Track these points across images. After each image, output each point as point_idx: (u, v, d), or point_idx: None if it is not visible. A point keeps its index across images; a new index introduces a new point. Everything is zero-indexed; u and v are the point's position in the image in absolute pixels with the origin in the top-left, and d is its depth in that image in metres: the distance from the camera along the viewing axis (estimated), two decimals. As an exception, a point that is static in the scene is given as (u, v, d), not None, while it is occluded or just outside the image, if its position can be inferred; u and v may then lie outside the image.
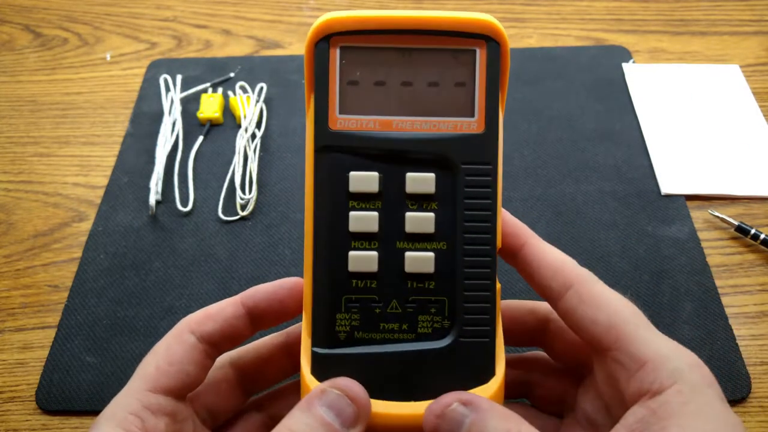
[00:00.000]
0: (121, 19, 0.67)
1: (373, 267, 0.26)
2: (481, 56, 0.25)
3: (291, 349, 0.30)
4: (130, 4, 0.68)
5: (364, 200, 0.25)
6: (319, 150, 0.25)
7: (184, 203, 0.50)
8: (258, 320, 0.28)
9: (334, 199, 0.25)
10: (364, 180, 0.25)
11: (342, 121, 0.25)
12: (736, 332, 0.42)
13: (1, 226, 0.50)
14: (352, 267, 0.26)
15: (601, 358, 0.26)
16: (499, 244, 0.26)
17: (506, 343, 0.27)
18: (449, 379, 0.25)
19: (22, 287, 0.46)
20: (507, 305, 0.30)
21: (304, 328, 0.27)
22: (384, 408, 0.25)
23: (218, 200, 0.50)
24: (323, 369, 0.25)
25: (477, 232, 0.26)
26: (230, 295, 0.28)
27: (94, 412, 0.40)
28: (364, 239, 0.26)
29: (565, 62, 0.60)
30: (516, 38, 0.63)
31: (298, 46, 0.63)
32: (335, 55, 0.25)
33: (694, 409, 0.22)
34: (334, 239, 0.26)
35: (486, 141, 0.25)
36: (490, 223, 0.26)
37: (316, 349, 0.26)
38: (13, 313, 0.45)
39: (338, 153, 0.25)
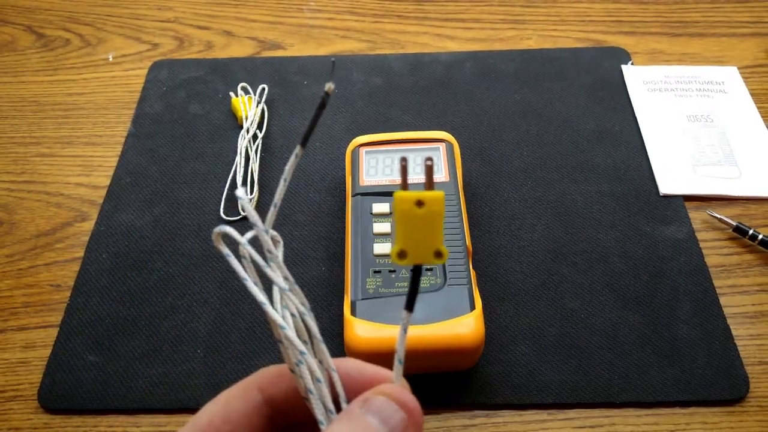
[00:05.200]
0: (122, 20, 0.67)
1: (389, 251, 0.41)
2: (443, 148, 0.47)
3: None
4: (131, 6, 0.68)
5: (381, 217, 0.43)
6: (353, 195, 0.45)
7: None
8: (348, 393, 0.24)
9: (364, 218, 0.43)
10: (380, 206, 0.44)
11: (367, 180, 0.46)
12: (734, 332, 0.42)
13: (3, 226, 0.50)
14: (376, 251, 0.42)
15: None
16: (468, 243, 0.42)
17: None
18: (445, 310, 0.38)
19: (24, 287, 0.46)
20: None
21: (346, 291, 0.40)
22: (395, 331, 0.34)
23: (220, 200, 0.50)
24: (358, 310, 0.38)
25: (452, 230, 0.42)
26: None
27: (96, 411, 0.40)
28: (382, 237, 0.42)
29: (564, 64, 0.61)
30: (515, 40, 0.64)
31: (299, 48, 0.64)
32: (363, 152, 0.48)
33: None
34: (364, 238, 0.42)
35: (451, 184, 0.45)
36: (459, 225, 0.43)
37: (353, 299, 0.39)
38: (15, 312, 0.45)
39: (365, 195, 0.45)
